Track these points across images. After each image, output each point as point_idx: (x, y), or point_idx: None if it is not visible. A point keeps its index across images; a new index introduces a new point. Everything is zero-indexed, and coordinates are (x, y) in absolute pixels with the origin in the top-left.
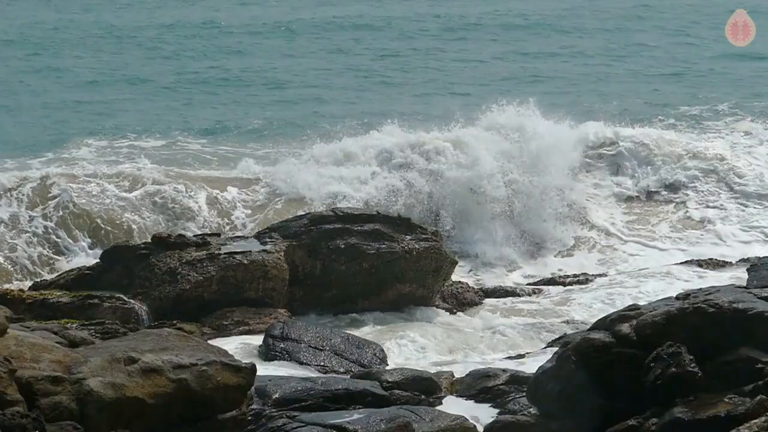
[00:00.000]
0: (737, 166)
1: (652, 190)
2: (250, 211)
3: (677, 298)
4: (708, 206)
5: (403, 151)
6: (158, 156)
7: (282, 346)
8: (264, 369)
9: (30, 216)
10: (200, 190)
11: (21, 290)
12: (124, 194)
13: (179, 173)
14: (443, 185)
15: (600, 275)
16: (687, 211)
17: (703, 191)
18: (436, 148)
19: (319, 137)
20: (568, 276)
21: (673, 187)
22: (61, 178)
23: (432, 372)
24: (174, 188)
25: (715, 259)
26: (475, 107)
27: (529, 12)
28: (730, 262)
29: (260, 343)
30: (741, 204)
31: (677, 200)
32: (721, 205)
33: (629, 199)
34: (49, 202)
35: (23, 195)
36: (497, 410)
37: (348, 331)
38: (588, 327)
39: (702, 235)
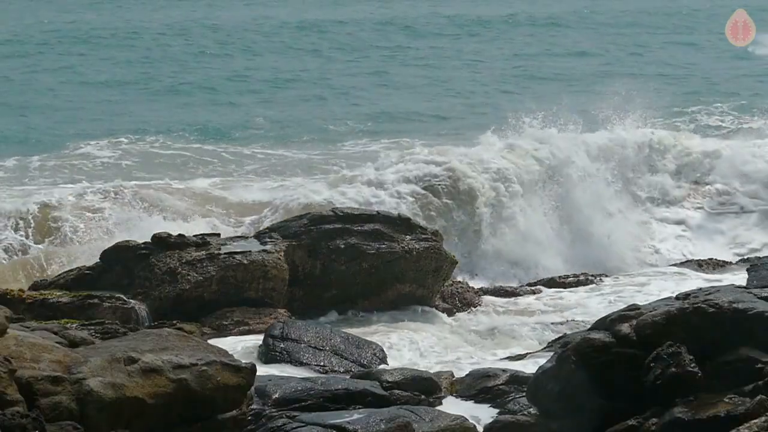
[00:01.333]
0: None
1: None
2: None
3: (677, 298)
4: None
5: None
6: (166, 160)
7: (282, 346)
8: (264, 369)
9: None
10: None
11: (21, 290)
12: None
13: (203, 195)
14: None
15: (600, 275)
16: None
17: (726, 186)
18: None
19: (323, 141)
20: (568, 276)
21: (699, 184)
22: (71, 209)
23: (432, 372)
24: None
25: (715, 259)
26: (478, 108)
27: (536, 12)
28: (730, 262)
29: (260, 343)
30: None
31: (706, 196)
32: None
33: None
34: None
35: (29, 222)
36: (497, 410)
37: (348, 331)
38: (588, 327)
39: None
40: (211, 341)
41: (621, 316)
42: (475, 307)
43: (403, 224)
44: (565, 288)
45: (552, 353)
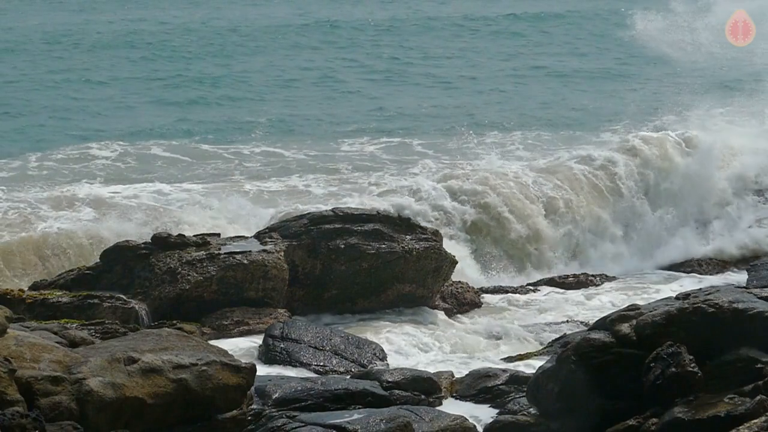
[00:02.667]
0: None
1: None
2: None
3: (677, 298)
4: None
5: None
6: (166, 162)
7: (282, 346)
8: (264, 369)
9: None
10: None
11: (21, 290)
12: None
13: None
14: None
15: (600, 275)
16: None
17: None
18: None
19: (324, 141)
20: (568, 276)
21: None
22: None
23: (432, 372)
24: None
25: (715, 259)
26: (481, 108)
27: (544, 10)
28: (730, 262)
29: (260, 343)
30: None
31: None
32: None
33: None
34: None
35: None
36: (497, 410)
37: (348, 331)
38: (588, 327)
39: None
40: (211, 341)
41: (621, 316)
42: (475, 307)
43: (403, 224)
44: (565, 288)
45: (552, 353)
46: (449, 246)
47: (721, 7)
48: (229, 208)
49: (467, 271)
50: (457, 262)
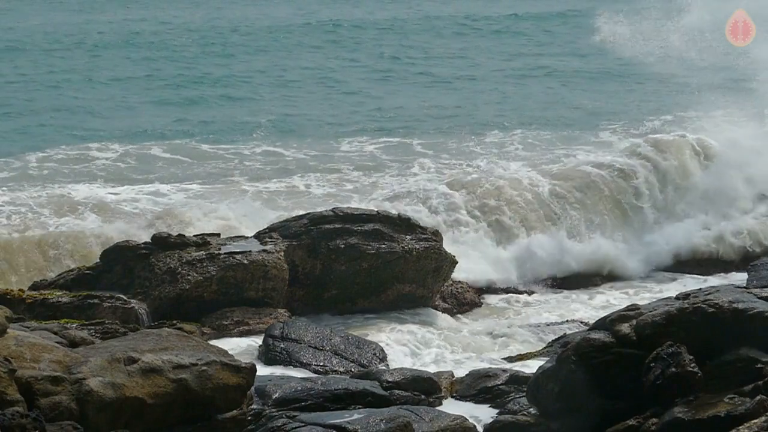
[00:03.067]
0: None
1: None
2: None
3: (677, 298)
4: None
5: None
6: (166, 162)
7: (282, 346)
8: (264, 369)
9: None
10: None
11: (21, 290)
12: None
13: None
14: None
15: (599, 275)
16: None
17: None
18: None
19: (323, 141)
20: (568, 276)
21: None
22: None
23: (432, 372)
24: None
25: (716, 258)
26: (482, 108)
27: (544, 10)
28: (731, 262)
29: (260, 343)
30: None
31: None
32: None
33: None
34: None
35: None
36: (497, 410)
37: (348, 331)
38: (588, 327)
39: None
40: (211, 341)
41: (621, 316)
42: (475, 307)
43: (403, 224)
44: (565, 288)
45: (552, 353)
46: (465, 251)
47: (722, 7)
48: (239, 211)
49: (493, 275)
50: (456, 262)
